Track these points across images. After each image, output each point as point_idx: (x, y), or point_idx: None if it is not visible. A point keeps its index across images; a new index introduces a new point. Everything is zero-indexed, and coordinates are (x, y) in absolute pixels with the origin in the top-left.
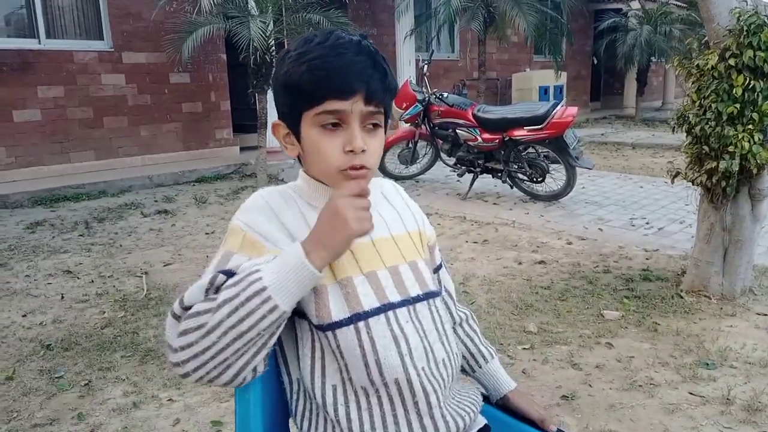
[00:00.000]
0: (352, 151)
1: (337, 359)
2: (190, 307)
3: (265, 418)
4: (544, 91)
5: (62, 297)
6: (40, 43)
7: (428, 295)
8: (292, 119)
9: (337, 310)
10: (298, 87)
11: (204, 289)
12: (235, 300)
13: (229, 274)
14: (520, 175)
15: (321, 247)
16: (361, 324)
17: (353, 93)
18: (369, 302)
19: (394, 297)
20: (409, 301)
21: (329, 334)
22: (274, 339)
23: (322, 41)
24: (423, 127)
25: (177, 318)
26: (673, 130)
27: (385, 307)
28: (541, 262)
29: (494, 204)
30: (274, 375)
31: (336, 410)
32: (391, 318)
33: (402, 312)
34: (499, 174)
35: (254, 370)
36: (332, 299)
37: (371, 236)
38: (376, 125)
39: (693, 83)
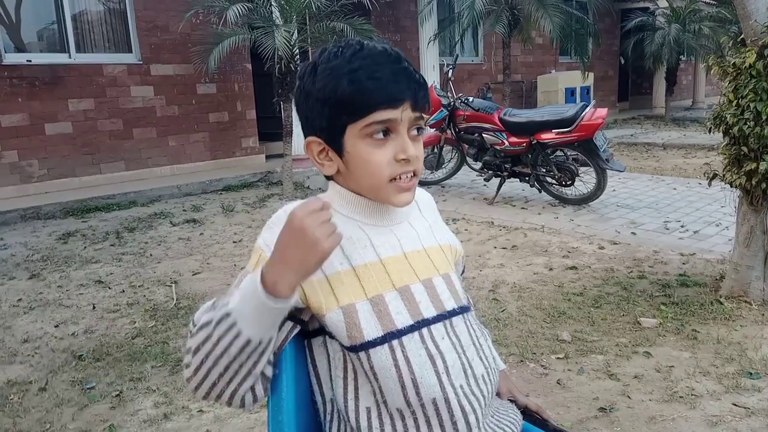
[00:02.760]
0: (405, 159)
1: (371, 381)
2: None
3: None
4: (570, 93)
5: (94, 307)
6: (70, 57)
7: (463, 309)
8: (332, 134)
9: (369, 329)
10: (342, 100)
11: (208, 310)
12: (209, 325)
13: None
14: (549, 179)
15: (287, 269)
16: (395, 342)
17: (403, 101)
18: (402, 320)
19: (429, 312)
20: (445, 316)
21: (362, 354)
22: (260, 365)
23: (356, 52)
24: (448, 131)
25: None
26: (710, 131)
27: (419, 324)
28: (572, 267)
29: (522, 208)
30: (308, 396)
31: None
32: (426, 335)
33: (437, 328)
34: (527, 178)
35: (253, 392)
36: (363, 318)
37: (404, 250)
38: (419, 130)
39: (730, 82)
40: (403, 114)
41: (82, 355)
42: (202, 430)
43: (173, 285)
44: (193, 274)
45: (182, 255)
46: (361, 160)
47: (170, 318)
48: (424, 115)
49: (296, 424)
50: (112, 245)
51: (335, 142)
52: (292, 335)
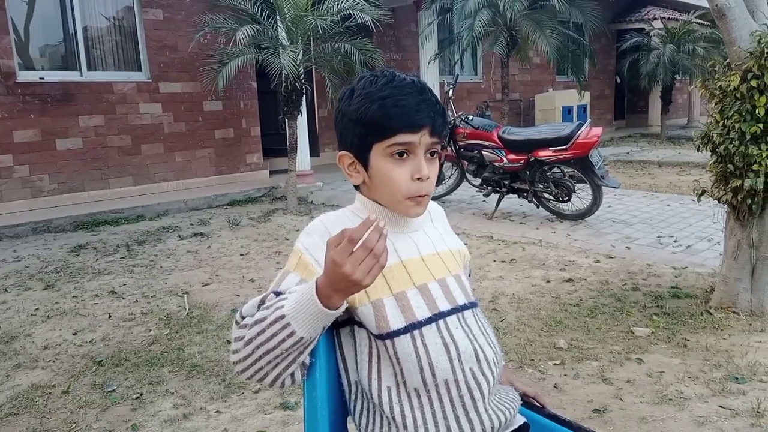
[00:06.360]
0: (419, 178)
1: (393, 364)
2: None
3: (330, 416)
4: (567, 111)
5: (109, 316)
6: (81, 75)
7: (472, 304)
8: (361, 150)
9: (394, 321)
10: (371, 122)
11: (257, 305)
12: (263, 322)
13: (279, 294)
14: (546, 195)
15: (331, 291)
16: (416, 332)
17: (422, 127)
18: (422, 313)
19: (444, 306)
20: (458, 309)
21: (388, 342)
22: (305, 355)
23: (387, 82)
24: (449, 149)
25: (237, 325)
26: (698, 149)
27: (436, 317)
28: (569, 280)
29: (521, 223)
30: (336, 379)
31: (391, 409)
32: (442, 326)
33: (452, 319)
34: (525, 194)
35: (293, 377)
36: (389, 311)
37: (421, 253)
38: (434, 153)
39: (716, 104)
40: (422, 138)
41: (101, 360)
42: (220, 429)
43: (185, 295)
44: (203, 286)
45: (191, 267)
46: (382, 175)
47: (184, 326)
48: (442, 142)
49: (328, 402)
50: (122, 257)
51: (363, 157)
52: (326, 327)
